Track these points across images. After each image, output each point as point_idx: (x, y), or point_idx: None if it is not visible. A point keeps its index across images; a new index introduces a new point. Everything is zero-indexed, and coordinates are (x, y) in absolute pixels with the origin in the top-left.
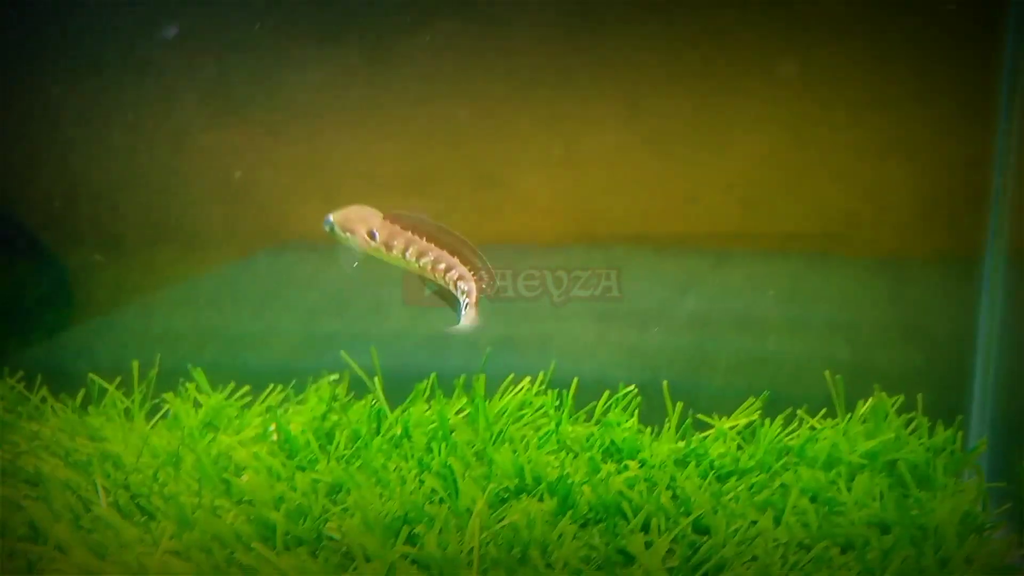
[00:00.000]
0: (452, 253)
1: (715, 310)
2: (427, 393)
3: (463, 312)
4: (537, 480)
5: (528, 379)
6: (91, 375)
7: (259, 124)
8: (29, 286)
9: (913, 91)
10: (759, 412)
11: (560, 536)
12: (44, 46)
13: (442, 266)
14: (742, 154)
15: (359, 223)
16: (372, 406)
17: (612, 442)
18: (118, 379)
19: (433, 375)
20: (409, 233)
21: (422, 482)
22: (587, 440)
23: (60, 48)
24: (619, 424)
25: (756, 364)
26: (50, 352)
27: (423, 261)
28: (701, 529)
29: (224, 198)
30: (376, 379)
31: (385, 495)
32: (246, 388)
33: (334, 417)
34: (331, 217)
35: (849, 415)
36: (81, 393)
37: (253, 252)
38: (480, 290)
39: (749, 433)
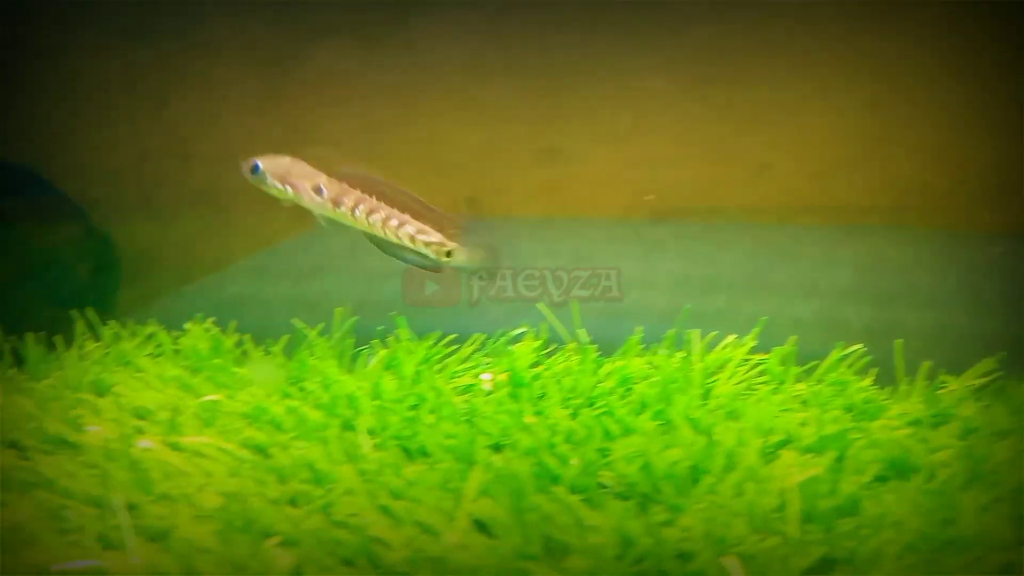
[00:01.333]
0: (403, 210)
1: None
2: (634, 347)
3: (440, 261)
4: (792, 435)
5: (733, 336)
6: (294, 322)
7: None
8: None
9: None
10: (998, 373)
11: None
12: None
13: (394, 223)
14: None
15: (303, 177)
16: (595, 357)
17: (854, 401)
18: (320, 326)
19: (639, 329)
20: (358, 191)
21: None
22: (815, 397)
23: (115, 21)
24: (850, 383)
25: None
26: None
27: (373, 218)
28: None
29: None
30: (581, 332)
31: (663, 443)
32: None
33: (540, 368)
34: (260, 164)
35: None
36: (283, 341)
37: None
38: (449, 236)
39: (989, 394)
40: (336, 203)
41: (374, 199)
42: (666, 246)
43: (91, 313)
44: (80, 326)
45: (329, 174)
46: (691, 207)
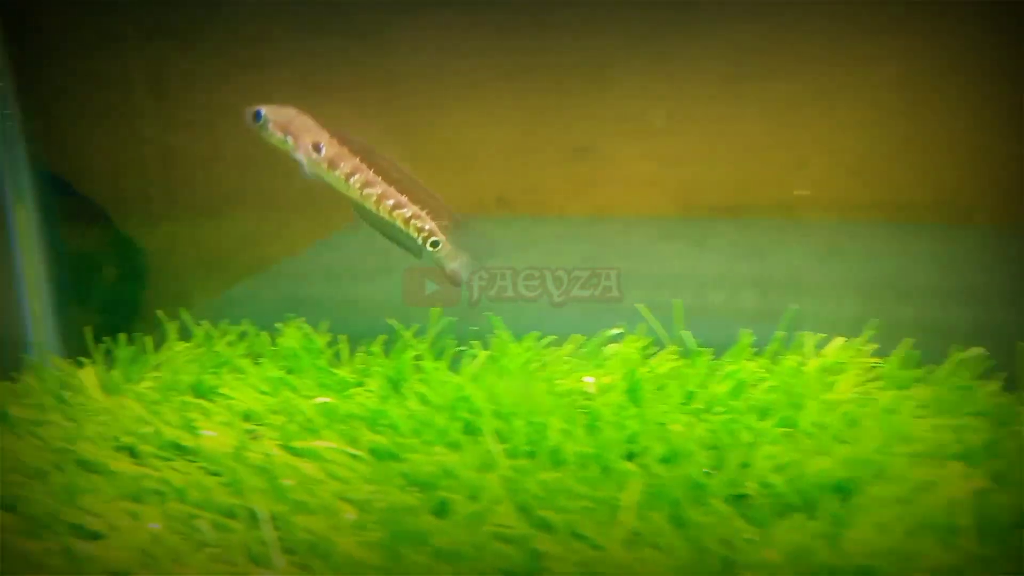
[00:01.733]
0: (401, 191)
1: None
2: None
3: (425, 249)
4: (934, 443)
5: (842, 339)
6: (390, 321)
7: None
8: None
9: None
10: None
11: None
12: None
13: (390, 202)
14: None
15: (304, 131)
16: (708, 361)
17: (983, 407)
18: (415, 327)
19: (747, 332)
20: (357, 160)
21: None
22: (938, 402)
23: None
24: (976, 388)
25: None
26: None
27: (368, 192)
28: None
29: None
30: (687, 334)
31: (801, 450)
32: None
33: (644, 371)
34: (263, 111)
35: None
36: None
37: None
38: (443, 228)
39: None
40: (332, 165)
41: (372, 172)
42: (706, 244)
43: (184, 313)
44: (172, 327)
45: (333, 135)
46: (728, 205)
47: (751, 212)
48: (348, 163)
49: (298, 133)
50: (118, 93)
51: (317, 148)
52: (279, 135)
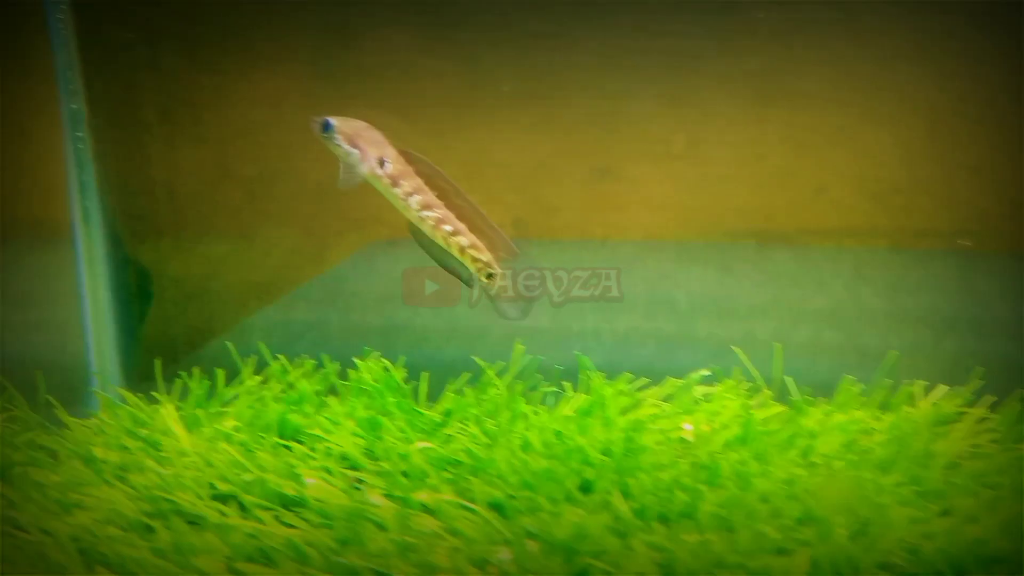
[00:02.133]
0: (461, 218)
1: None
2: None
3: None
4: None
5: (944, 387)
6: (476, 359)
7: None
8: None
9: None
10: None
11: None
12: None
13: (448, 228)
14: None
15: (371, 145)
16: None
17: None
18: (500, 364)
19: (850, 379)
20: (420, 181)
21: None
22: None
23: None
24: None
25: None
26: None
27: (426, 214)
28: None
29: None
30: (789, 380)
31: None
32: (643, 380)
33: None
34: (333, 122)
35: None
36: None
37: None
38: (497, 258)
39: None
40: (394, 182)
41: (434, 195)
42: (734, 271)
43: (262, 346)
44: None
45: (400, 153)
46: (749, 230)
47: (777, 238)
48: (410, 182)
49: (365, 146)
50: (183, 116)
51: (382, 163)
52: (346, 146)
